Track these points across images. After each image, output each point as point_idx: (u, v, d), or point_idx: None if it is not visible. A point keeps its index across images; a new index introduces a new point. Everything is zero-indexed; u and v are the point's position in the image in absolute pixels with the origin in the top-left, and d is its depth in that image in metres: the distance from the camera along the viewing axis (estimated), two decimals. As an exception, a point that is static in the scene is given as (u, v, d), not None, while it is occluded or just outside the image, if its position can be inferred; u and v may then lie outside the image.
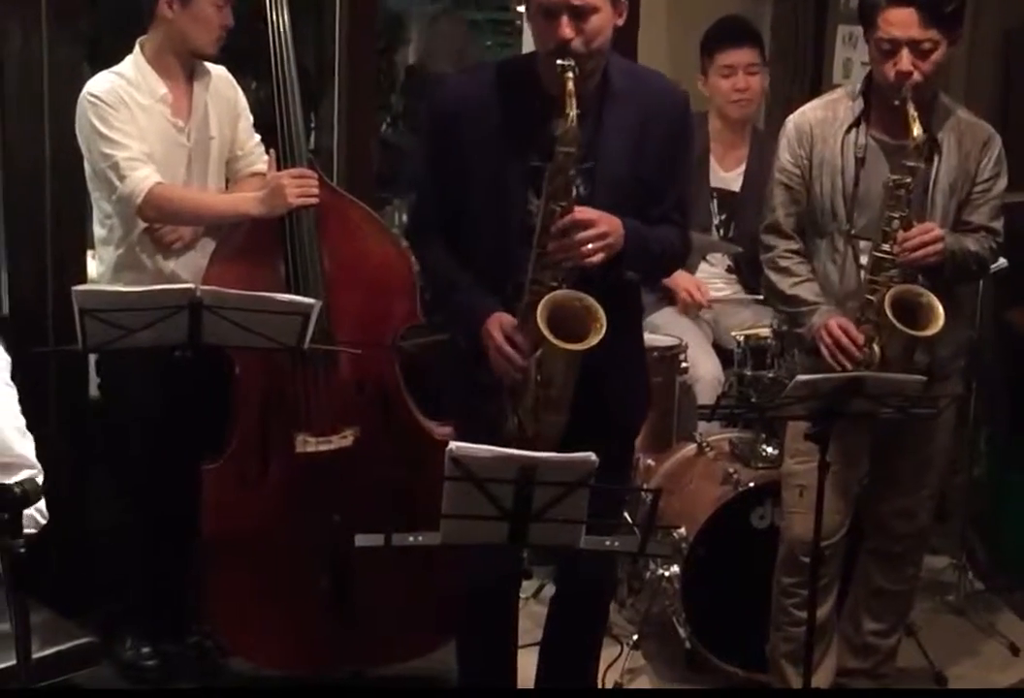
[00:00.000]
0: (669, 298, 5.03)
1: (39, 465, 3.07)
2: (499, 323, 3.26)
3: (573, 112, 3.10)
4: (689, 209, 3.61)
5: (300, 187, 3.90)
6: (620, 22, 3.27)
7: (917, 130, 3.53)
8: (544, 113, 3.24)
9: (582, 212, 3.19)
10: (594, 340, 3.13)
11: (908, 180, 3.59)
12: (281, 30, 3.98)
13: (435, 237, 3.46)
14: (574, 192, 3.20)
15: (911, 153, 3.57)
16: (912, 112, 3.54)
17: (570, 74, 3.12)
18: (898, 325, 3.54)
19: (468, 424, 3.44)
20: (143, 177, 3.85)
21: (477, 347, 3.31)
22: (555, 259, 3.19)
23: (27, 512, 2.65)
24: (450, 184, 3.37)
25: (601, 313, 3.14)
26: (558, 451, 3.04)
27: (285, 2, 3.99)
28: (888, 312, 3.54)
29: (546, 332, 3.12)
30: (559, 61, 3.13)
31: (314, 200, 3.93)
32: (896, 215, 3.61)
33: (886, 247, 3.62)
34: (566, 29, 3.15)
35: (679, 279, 4.91)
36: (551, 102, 3.22)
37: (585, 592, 3.64)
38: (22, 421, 3.10)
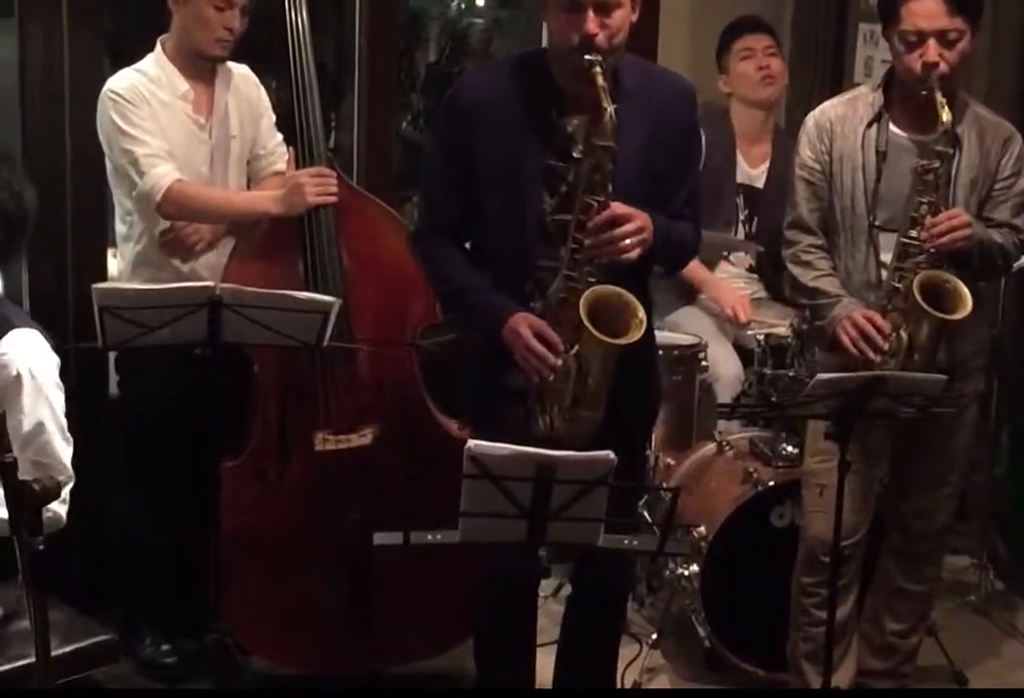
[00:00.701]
0: (688, 297, 5.03)
1: (72, 472, 3.09)
2: (526, 322, 3.24)
3: (610, 107, 3.10)
4: (699, 203, 3.59)
5: (319, 186, 3.90)
6: (634, 18, 3.27)
7: (946, 116, 3.52)
8: (557, 110, 3.25)
9: (620, 207, 3.18)
10: (636, 335, 3.14)
11: (936, 165, 3.58)
12: (300, 29, 3.98)
13: (444, 236, 3.44)
14: (610, 188, 3.19)
15: (940, 138, 3.56)
16: (940, 98, 3.53)
17: (598, 69, 3.12)
18: (927, 308, 3.52)
19: (489, 429, 3.35)
20: (163, 174, 3.86)
21: (499, 349, 3.29)
22: (592, 254, 3.19)
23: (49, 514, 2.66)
24: (464, 181, 3.35)
25: (641, 309, 3.16)
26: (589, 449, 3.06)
27: (304, 1, 4.00)
28: (917, 295, 3.52)
29: (590, 326, 3.11)
30: (587, 56, 3.13)
31: (333, 199, 3.93)
32: (924, 200, 3.60)
33: (913, 233, 3.61)
34: (592, 24, 3.15)
35: (727, 295, 4.94)
36: (563, 99, 3.25)
37: (602, 592, 3.63)
38: (65, 424, 3.12)
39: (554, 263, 3.27)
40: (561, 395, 3.23)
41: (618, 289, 3.18)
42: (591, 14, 3.15)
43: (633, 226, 3.17)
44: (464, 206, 3.37)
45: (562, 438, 3.23)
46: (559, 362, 3.20)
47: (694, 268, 4.86)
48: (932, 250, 3.58)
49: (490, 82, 3.38)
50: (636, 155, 3.28)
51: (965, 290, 3.54)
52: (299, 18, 3.98)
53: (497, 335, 3.28)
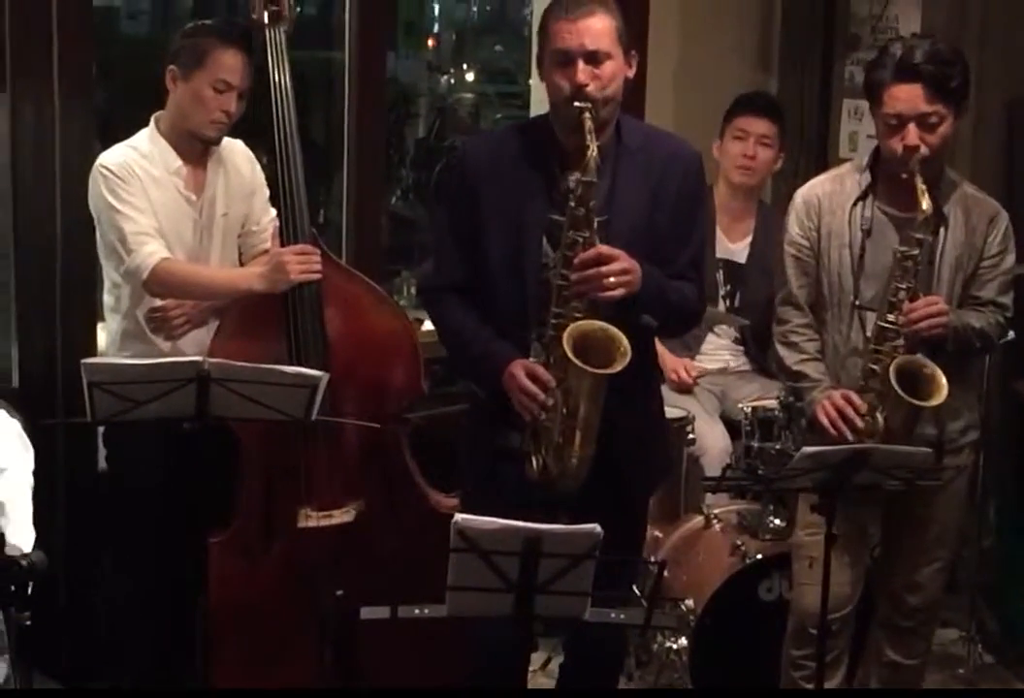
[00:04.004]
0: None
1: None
2: (521, 364, 3.31)
3: (594, 144, 3.19)
4: (704, 267, 3.65)
5: (302, 264, 3.92)
6: (630, 74, 3.38)
7: (926, 203, 3.55)
8: (559, 169, 3.34)
9: (605, 247, 3.24)
10: (620, 366, 3.18)
11: (916, 252, 3.60)
12: (285, 107, 3.99)
13: (451, 295, 3.50)
14: (595, 224, 3.25)
15: (919, 225, 3.59)
16: (921, 185, 3.56)
17: (588, 114, 3.22)
18: (903, 395, 3.54)
19: (485, 490, 3.45)
20: (150, 252, 3.87)
21: (499, 400, 3.35)
22: (576, 291, 3.24)
23: None
24: (469, 243, 3.43)
25: (624, 340, 3.20)
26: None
27: (289, 81, 4.01)
28: (893, 381, 3.55)
29: (572, 356, 3.16)
30: (576, 103, 3.24)
31: (316, 276, 3.94)
32: (903, 286, 3.62)
33: (891, 317, 3.63)
34: (582, 74, 3.26)
35: (666, 360, 4.94)
36: (565, 158, 3.33)
37: (593, 663, 3.62)
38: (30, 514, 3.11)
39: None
40: (553, 433, 3.27)
41: (601, 323, 3.23)
42: (581, 65, 3.27)
43: (617, 266, 3.23)
44: (470, 265, 3.44)
45: (554, 479, 3.28)
46: (550, 401, 3.25)
47: None
48: (908, 334, 3.61)
49: (494, 144, 3.51)
50: (636, 212, 3.36)
51: (942, 376, 3.57)
52: (284, 94, 4.00)
53: (498, 383, 3.34)
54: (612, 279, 3.22)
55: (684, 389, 4.96)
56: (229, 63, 3.92)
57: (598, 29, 3.29)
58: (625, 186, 3.35)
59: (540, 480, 3.32)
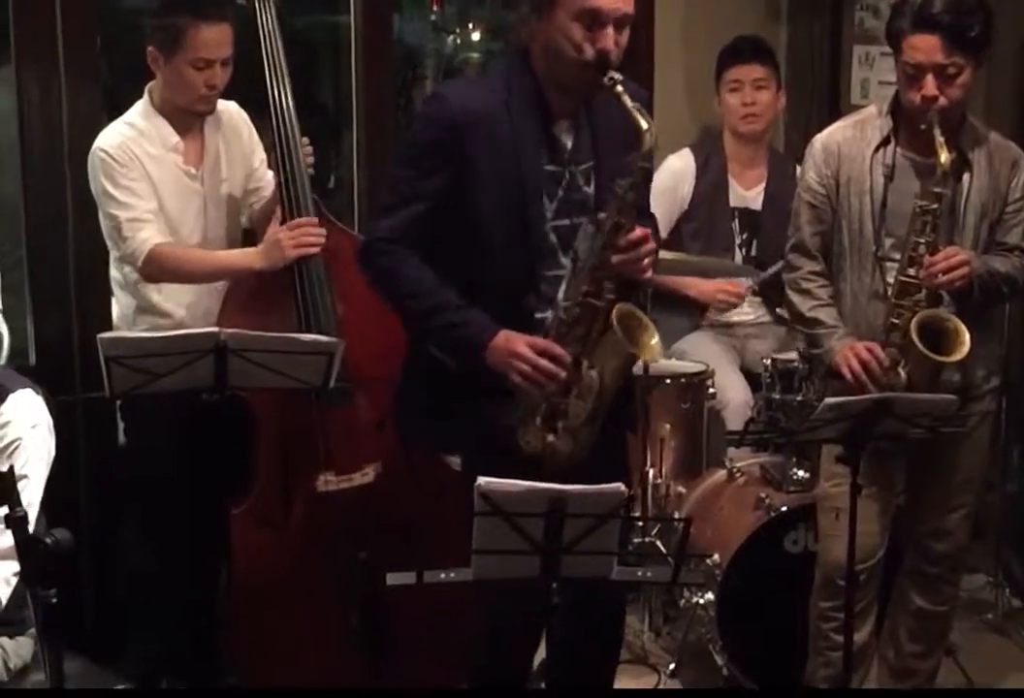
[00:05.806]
0: (691, 317, 5.04)
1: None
2: (523, 341, 3.19)
3: (653, 128, 3.12)
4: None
5: (295, 238, 3.89)
6: None
7: (944, 156, 3.53)
8: (546, 116, 3.27)
9: (641, 230, 3.20)
10: (653, 354, 3.26)
11: (935, 206, 3.58)
12: (280, 82, 3.96)
13: (412, 251, 3.30)
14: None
15: (939, 179, 3.56)
16: (939, 138, 3.53)
17: (620, 88, 3.12)
18: (924, 351, 3.53)
19: (480, 451, 3.30)
20: (144, 239, 3.87)
21: (478, 369, 3.23)
22: (616, 272, 3.19)
23: None
24: (438, 196, 3.25)
25: (655, 331, 3.22)
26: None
27: (283, 56, 3.98)
28: (915, 337, 3.54)
29: (625, 342, 3.16)
30: (612, 75, 3.12)
31: (314, 249, 3.91)
32: (922, 240, 3.60)
33: (912, 271, 3.61)
34: (610, 41, 3.14)
35: (703, 287, 4.98)
36: (549, 105, 3.26)
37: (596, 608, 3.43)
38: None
39: (557, 272, 3.29)
40: (572, 412, 3.22)
41: (635, 309, 3.23)
42: (611, 30, 3.14)
43: (652, 247, 3.21)
44: (432, 223, 3.27)
45: (560, 457, 3.22)
46: (566, 377, 3.19)
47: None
48: (930, 288, 3.60)
49: (476, 95, 3.30)
50: (616, 156, 3.26)
51: (964, 331, 3.56)
52: (277, 67, 3.97)
53: (480, 354, 3.22)
54: (647, 260, 3.21)
55: (735, 305, 5.00)
56: (206, 39, 3.88)
57: None
58: (603, 133, 3.30)
59: (538, 456, 3.22)
